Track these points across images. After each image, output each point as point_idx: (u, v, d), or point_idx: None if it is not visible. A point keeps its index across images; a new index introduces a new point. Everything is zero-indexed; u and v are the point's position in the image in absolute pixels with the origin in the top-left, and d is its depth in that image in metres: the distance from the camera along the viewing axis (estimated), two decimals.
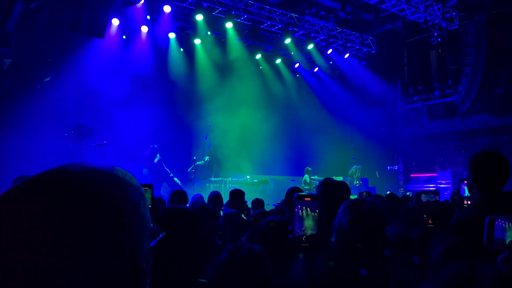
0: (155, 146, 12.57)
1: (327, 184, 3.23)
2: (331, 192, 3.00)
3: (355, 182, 15.35)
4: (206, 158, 13.98)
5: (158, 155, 12.59)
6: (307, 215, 1.89)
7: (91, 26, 8.65)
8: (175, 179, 12.87)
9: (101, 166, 0.71)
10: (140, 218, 0.69)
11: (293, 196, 4.65)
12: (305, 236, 1.86)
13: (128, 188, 0.70)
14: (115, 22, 12.86)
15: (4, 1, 7.14)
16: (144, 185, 3.19)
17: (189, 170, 13.52)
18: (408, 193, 13.07)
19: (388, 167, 17.73)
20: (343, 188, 3.33)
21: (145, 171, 12.24)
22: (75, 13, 8.19)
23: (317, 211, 1.89)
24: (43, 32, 10.22)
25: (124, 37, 13.89)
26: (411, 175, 16.39)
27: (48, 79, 12.33)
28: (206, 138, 14.19)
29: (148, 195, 3.28)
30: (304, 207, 1.90)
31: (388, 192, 10.92)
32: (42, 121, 11.22)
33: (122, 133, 12.78)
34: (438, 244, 1.87)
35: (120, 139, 12.55)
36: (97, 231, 0.61)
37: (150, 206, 3.26)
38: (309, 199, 1.92)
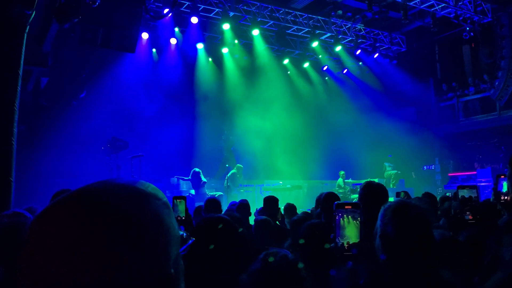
0: (196, 170, 12.27)
1: (370, 187, 3.14)
2: (375, 198, 2.91)
3: (390, 185, 15.03)
4: (238, 165, 14.02)
5: (202, 177, 12.26)
6: (348, 223, 1.86)
7: (122, 42, 8.87)
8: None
9: (123, 181, 0.74)
10: (164, 227, 0.72)
11: (329, 201, 4.59)
12: (347, 245, 1.83)
13: (150, 199, 0.73)
14: (145, 36, 13.14)
15: (40, 23, 7.46)
16: (178, 197, 3.25)
17: (226, 176, 13.60)
18: (447, 194, 12.71)
19: (425, 167, 17.29)
20: (385, 191, 3.24)
21: (192, 192, 12.22)
22: (106, 31, 8.43)
23: (358, 219, 1.87)
24: (77, 51, 10.58)
25: (154, 50, 14.19)
26: (449, 174, 15.92)
27: (83, 95, 12.73)
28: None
29: (181, 207, 3.33)
30: (344, 215, 1.87)
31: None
32: (80, 136, 11.58)
33: (156, 144, 13.03)
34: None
35: (154, 150, 12.79)
36: (120, 243, 0.64)
37: (184, 216, 3.31)
38: (349, 207, 1.90)
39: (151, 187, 0.77)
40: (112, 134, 11.42)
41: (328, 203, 4.53)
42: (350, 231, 1.85)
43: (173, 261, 0.73)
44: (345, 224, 1.86)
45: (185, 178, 12.61)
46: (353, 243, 1.83)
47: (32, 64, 9.10)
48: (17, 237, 2.04)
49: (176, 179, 13.22)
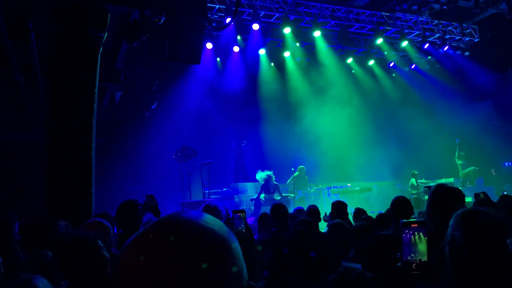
0: (269, 174, 12.40)
1: (441, 193, 2.86)
2: (446, 205, 2.66)
3: (468, 184, 14.16)
4: (300, 166, 13.91)
5: (273, 182, 12.36)
6: (416, 241, 1.80)
7: (187, 54, 9.20)
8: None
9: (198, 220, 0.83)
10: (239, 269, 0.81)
11: (399, 207, 4.41)
12: (415, 264, 1.77)
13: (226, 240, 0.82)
14: (209, 46, 13.52)
15: (112, 43, 7.95)
16: (237, 211, 3.33)
17: (288, 182, 13.60)
18: None
19: (506, 164, 16.10)
20: (460, 197, 2.94)
21: (262, 196, 12.27)
22: (172, 45, 8.80)
23: (425, 237, 1.79)
24: (146, 65, 11.15)
25: (218, 59, 14.56)
26: None
27: (154, 106, 13.38)
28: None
29: (241, 221, 3.41)
30: (412, 232, 1.81)
31: (505, 193, 9.86)
32: (152, 146, 12.19)
33: (224, 151, 13.35)
34: None
35: (222, 157, 13.11)
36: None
37: (244, 229, 3.38)
38: (416, 225, 1.83)
39: (216, 223, 0.85)
40: (182, 143, 11.88)
41: (397, 209, 4.39)
42: (418, 249, 1.79)
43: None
44: (412, 241, 1.80)
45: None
46: (421, 263, 1.77)
47: (106, 81, 9.74)
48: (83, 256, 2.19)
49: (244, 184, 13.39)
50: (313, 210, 6.09)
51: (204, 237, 0.78)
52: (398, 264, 1.82)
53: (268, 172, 12.20)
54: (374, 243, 2.44)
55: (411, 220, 1.87)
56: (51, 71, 6.52)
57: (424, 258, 1.78)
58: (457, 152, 15.45)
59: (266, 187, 12.09)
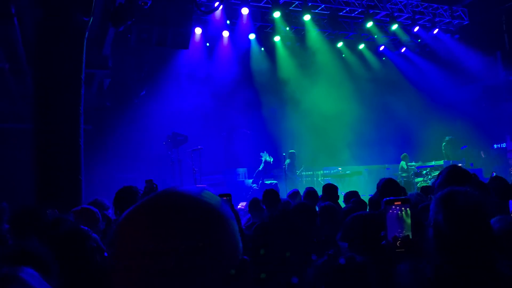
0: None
1: (455, 174, 2.79)
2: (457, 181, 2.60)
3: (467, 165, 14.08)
4: (291, 151, 13.94)
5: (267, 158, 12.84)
6: (400, 218, 1.81)
7: (176, 39, 9.12)
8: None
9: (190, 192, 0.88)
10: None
11: (388, 189, 4.44)
12: (399, 242, 1.78)
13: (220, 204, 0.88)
14: (198, 31, 13.36)
15: (98, 28, 7.83)
16: (223, 195, 3.34)
17: (284, 166, 13.66)
18: None
19: (495, 145, 16.28)
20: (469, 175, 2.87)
21: (254, 186, 12.57)
22: (160, 30, 8.71)
23: (409, 214, 1.80)
24: (135, 51, 11.01)
25: (207, 44, 14.42)
26: None
27: (144, 93, 13.26)
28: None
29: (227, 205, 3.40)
30: (396, 210, 1.82)
31: (494, 174, 9.99)
32: (142, 132, 12.11)
33: (215, 136, 13.31)
34: None
35: (213, 143, 13.08)
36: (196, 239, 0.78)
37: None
38: (399, 203, 1.84)
39: (214, 198, 0.90)
40: (172, 129, 11.81)
41: (386, 191, 4.41)
42: (402, 227, 1.80)
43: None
44: (397, 219, 1.81)
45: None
46: (405, 240, 1.78)
47: (94, 67, 9.63)
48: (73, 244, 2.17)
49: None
50: (311, 192, 6.09)
51: (198, 209, 0.82)
52: (383, 242, 1.83)
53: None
54: (354, 223, 2.44)
55: (394, 198, 1.87)
56: (36, 58, 6.42)
57: (408, 234, 1.79)
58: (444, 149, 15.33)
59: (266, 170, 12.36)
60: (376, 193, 5.08)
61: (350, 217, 2.49)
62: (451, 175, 2.79)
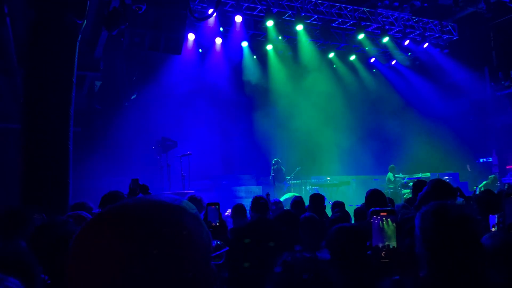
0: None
1: (439, 187, 2.84)
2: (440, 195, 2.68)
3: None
4: (275, 159, 13.93)
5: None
6: (385, 228, 1.84)
7: (168, 45, 9.12)
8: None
9: (156, 198, 0.86)
10: (191, 237, 0.83)
11: (373, 200, 4.49)
12: (384, 252, 1.81)
13: (182, 214, 0.84)
14: (191, 37, 13.40)
15: (91, 31, 7.83)
16: (211, 204, 3.33)
17: (271, 175, 13.70)
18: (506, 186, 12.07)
19: (481, 159, 16.51)
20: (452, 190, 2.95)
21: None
22: (153, 34, 8.71)
23: (394, 225, 1.84)
24: (127, 54, 11.00)
25: (200, 50, 14.46)
26: (507, 167, 15.11)
27: (134, 96, 13.23)
28: None
29: (215, 214, 3.41)
30: (381, 221, 1.85)
31: (483, 189, 10.01)
32: (131, 136, 12.06)
33: (204, 142, 13.29)
34: None
35: (202, 149, 13.06)
36: (151, 255, 0.76)
37: (218, 222, 3.38)
38: (385, 213, 1.87)
39: (183, 202, 0.88)
40: (162, 134, 11.78)
41: (373, 201, 4.46)
42: (387, 237, 1.83)
43: (203, 267, 0.83)
44: (382, 229, 1.84)
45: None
46: (390, 250, 1.81)
47: (85, 69, 9.59)
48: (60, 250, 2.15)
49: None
50: (297, 202, 6.10)
51: (156, 209, 0.82)
52: (368, 252, 1.86)
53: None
54: (337, 234, 2.47)
55: (380, 208, 1.91)
56: (27, 58, 6.38)
57: (393, 244, 1.83)
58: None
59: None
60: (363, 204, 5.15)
61: (334, 228, 2.51)
62: (435, 188, 2.85)
